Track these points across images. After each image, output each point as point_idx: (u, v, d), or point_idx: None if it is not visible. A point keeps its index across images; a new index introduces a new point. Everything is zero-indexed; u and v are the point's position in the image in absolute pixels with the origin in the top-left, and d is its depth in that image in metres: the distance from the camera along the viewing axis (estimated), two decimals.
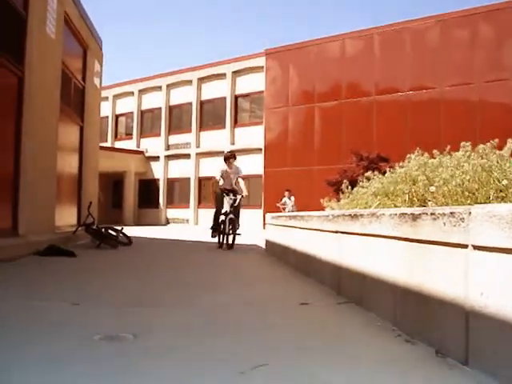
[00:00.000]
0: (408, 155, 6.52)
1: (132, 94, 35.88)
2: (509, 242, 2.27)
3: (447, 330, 2.82)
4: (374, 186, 6.36)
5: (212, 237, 12.06)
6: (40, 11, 9.36)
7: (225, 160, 12.27)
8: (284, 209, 21.98)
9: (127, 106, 36.18)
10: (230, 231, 11.55)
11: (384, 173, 7.03)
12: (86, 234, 11.57)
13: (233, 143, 30.23)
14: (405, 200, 4.76)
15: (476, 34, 21.26)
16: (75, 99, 12.77)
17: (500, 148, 4.69)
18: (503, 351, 2.33)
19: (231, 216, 11.54)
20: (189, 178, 32.25)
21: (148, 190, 34.33)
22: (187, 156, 32.45)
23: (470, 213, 2.58)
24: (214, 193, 12.78)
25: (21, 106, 8.64)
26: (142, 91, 35.56)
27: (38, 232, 9.04)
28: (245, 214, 30.30)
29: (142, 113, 35.74)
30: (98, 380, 2.47)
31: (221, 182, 12.08)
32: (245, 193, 11.97)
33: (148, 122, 35.68)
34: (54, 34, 10.11)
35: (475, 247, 2.54)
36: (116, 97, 36.60)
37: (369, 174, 7.35)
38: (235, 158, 12.25)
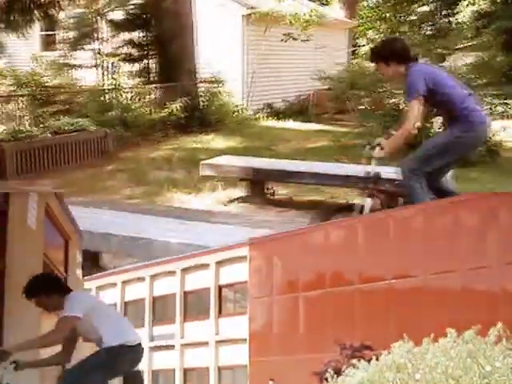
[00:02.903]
0: (395, 343, 6.40)
1: (115, 285, 35.86)
2: None
3: None
4: (359, 375, 6.17)
5: None
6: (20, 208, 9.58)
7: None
8: None
9: (110, 297, 35.95)
10: None
11: (369, 360, 6.86)
12: None
13: (217, 333, 29.68)
14: None
15: (458, 221, 22.04)
16: None
17: (483, 335, 4.65)
18: None
19: None
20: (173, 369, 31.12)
21: None
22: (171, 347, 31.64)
23: None
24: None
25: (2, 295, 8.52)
26: (125, 283, 35.58)
27: None
28: None
29: (126, 304, 35.40)
30: None
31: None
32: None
33: (131, 313, 35.21)
34: (35, 225, 10.25)
35: None
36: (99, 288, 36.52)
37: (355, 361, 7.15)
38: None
